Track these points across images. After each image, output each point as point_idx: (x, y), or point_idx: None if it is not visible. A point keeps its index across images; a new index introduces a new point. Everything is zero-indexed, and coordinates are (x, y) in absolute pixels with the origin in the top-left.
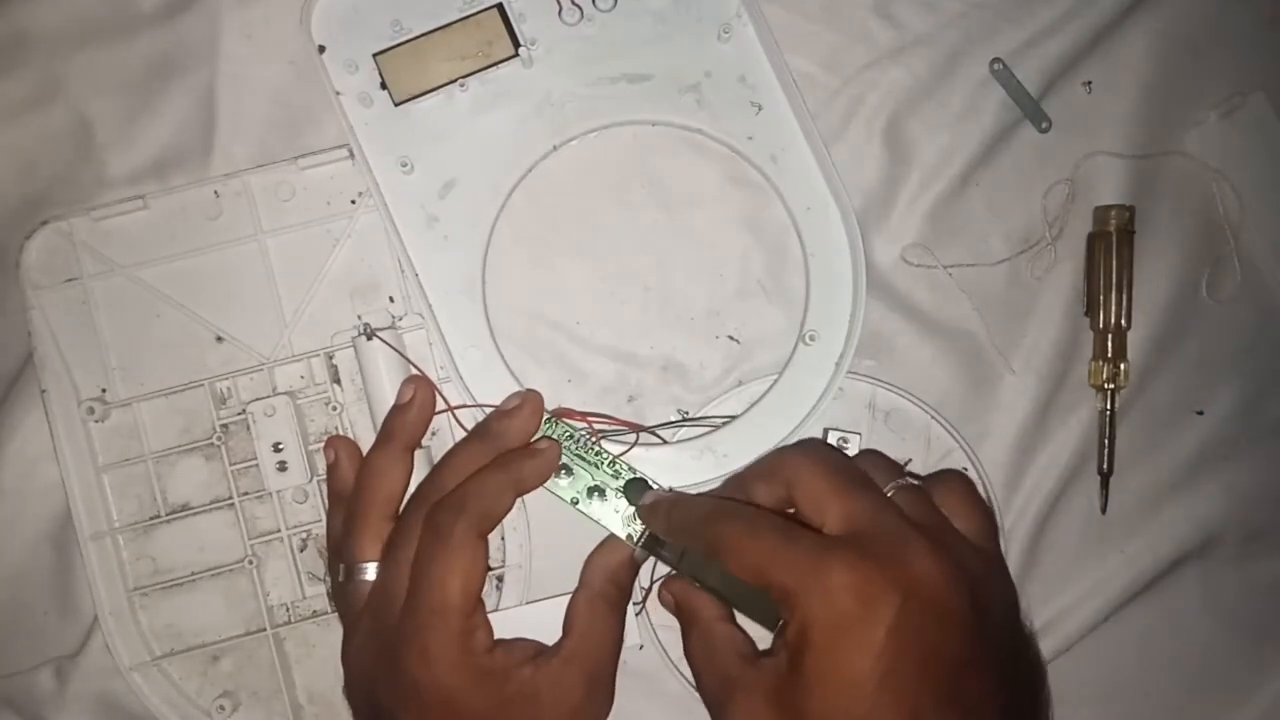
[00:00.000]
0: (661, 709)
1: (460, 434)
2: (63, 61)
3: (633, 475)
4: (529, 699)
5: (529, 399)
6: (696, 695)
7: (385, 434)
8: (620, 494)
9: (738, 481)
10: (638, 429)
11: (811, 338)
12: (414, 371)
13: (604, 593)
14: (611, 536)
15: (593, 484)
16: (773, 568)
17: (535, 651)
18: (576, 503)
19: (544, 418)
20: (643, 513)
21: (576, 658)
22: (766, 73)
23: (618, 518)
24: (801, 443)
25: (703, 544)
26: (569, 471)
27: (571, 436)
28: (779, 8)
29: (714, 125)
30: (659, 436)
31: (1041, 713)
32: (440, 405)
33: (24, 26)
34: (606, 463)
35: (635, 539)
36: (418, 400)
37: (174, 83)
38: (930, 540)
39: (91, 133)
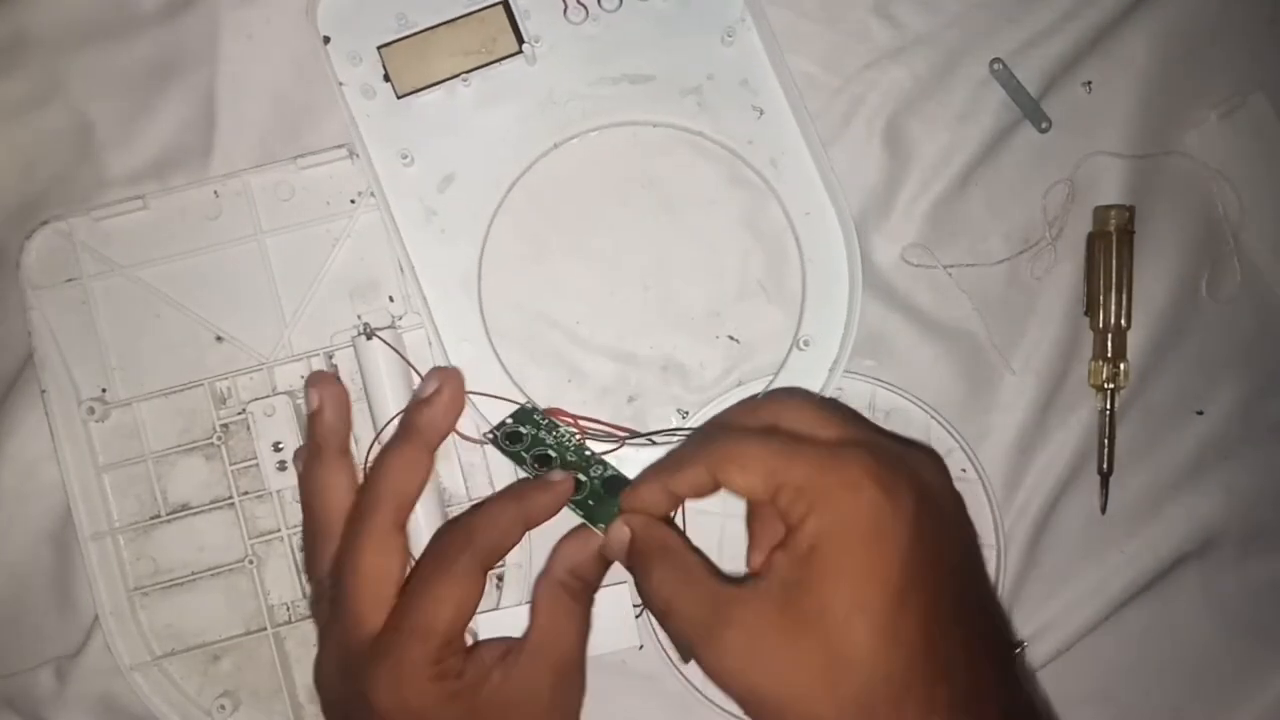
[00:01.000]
0: (661, 709)
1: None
2: (63, 61)
3: (614, 473)
4: (499, 705)
5: (446, 380)
6: (697, 695)
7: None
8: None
9: (717, 425)
10: (627, 435)
11: (806, 343)
12: (412, 372)
13: (564, 581)
14: (582, 527)
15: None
16: (788, 467)
17: (503, 651)
18: None
19: (536, 416)
20: (626, 501)
21: (541, 650)
22: (769, 77)
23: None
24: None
25: (707, 464)
26: (580, 486)
27: (555, 431)
28: (778, 7)
29: (715, 128)
30: (651, 440)
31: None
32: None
33: (24, 26)
34: (593, 463)
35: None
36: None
37: (174, 83)
38: (928, 455)
39: (91, 133)
